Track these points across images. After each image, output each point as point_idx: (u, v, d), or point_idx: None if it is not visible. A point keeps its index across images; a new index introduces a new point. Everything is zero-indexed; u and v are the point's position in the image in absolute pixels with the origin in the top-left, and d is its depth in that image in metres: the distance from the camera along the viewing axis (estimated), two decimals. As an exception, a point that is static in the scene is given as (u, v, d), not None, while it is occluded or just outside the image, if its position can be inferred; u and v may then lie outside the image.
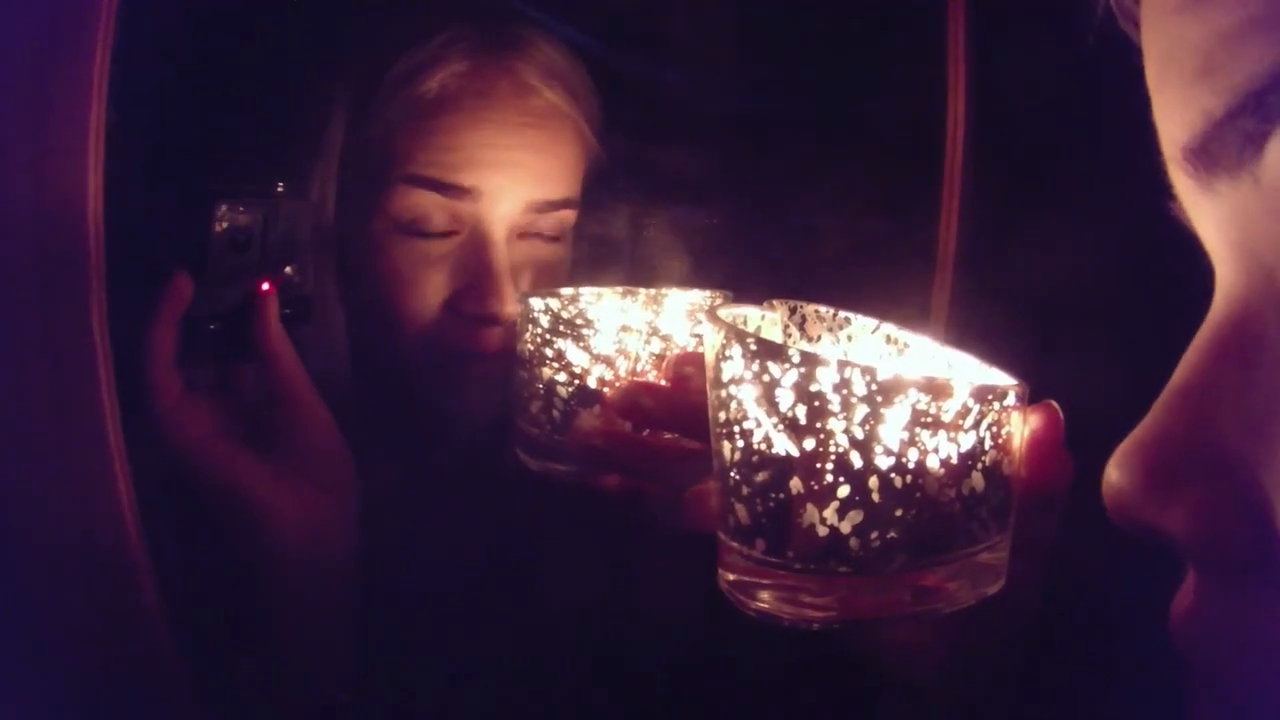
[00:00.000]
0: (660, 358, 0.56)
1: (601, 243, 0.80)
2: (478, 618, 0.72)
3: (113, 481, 0.50)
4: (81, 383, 0.49)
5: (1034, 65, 0.65)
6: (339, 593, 0.64)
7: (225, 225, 0.63)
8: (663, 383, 0.55)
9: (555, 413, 0.56)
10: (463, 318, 0.73)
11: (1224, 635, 0.28)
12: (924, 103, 0.73)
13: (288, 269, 0.67)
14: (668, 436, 0.54)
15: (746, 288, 0.50)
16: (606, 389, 0.55)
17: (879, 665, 0.52)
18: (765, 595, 0.41)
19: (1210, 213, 0.28)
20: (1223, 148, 0.25)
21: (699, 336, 0.57)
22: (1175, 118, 0.27)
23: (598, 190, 0.81)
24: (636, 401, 0.54)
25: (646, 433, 0.55)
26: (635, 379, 0.56)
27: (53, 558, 0.50)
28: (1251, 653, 0.27)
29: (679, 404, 0.53)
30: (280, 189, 0.67)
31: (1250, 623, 0.27)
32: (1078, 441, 0.44)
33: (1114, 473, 0.29)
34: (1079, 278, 0.66)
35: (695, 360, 0.53)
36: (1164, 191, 0.29)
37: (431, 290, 0.73)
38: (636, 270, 0.78)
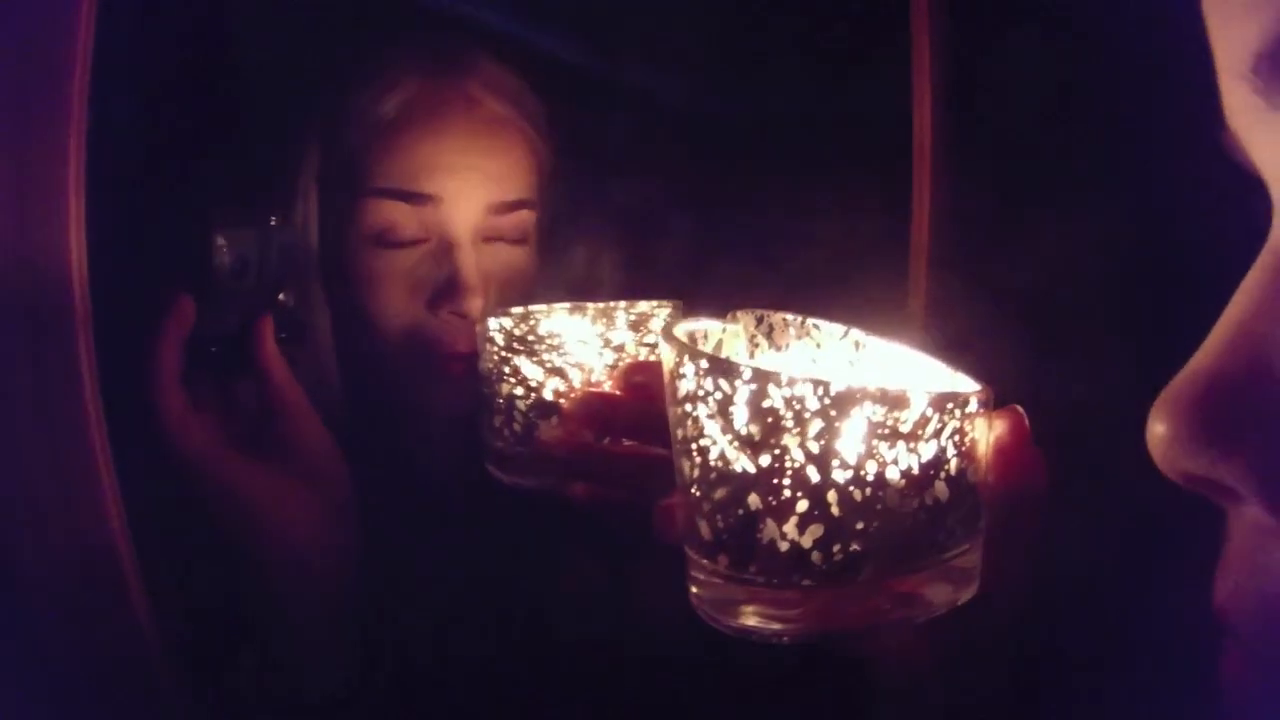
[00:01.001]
0: (613, 368, 0.58)
1: (567, 253, 0.83)
2: (472, 616, 0.74)
3: (100, 495, 0.51)
4: (68, 399, 0.50)
5: (1008, 60, 0.64)
6: (335, 592, 0.66)
7: (225, 255, 0.66)
8: (616, 392, 0.57)
9: (516, 426, 0.59)
10: (439, 317, 0.77)
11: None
12: (893, 102, 0.73)
13: (281, 296, 0.71)
14: (627, 443, 0.56)
15: (716, 293, 0.50)
16: (563, 400, 0.57)
17: (865, 670, 0.51)
18: (734, 609, 0.40)
19: (1273, 132, 0.26)
20: None
21: (650, 345, 0.59)
22: (1242, 28, 0.25)
23: (561, 199, 0.85)
24: (592, 410, 0.56)
25: (607, 441, 0.57)
26: (590, 389, 0.58)
27: (40, 571, 0.51)
28: None
29: (634, 411, 0.55)
30: (274, 222, 0.71)
31: None
32: (1058, 439, 0.44)
33: (1159, 424, 0.27)
34: (1057, 275, 0.66)
35: (645, 369, 0.56)
36: (1214, 123, 0.28)
37: (407, 296, 0.78)
38: (603, 281, 0.80)
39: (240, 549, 0.64)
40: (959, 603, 0.41)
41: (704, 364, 0.38)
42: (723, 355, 0.45)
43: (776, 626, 0.40)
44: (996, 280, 0.67)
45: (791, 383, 0.36)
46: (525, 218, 0.82)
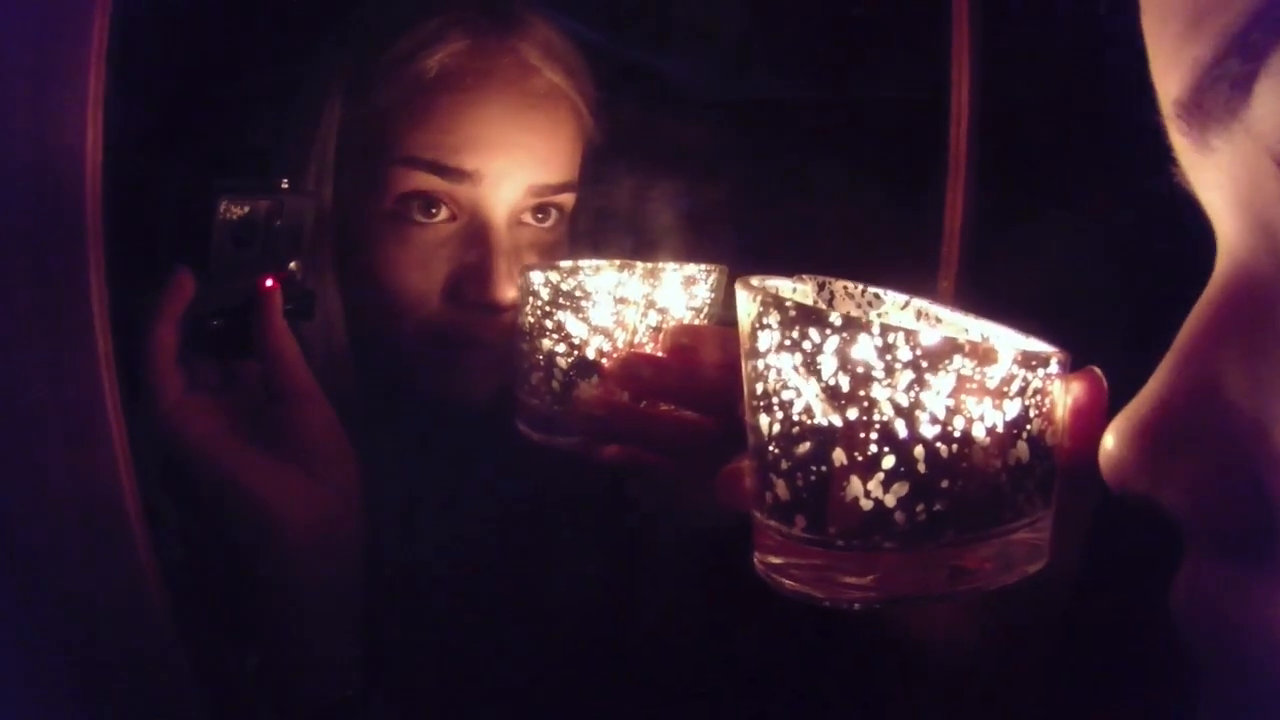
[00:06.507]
0: (657, 330, 0.57)
1: (604, 215, 0.79)
2: (484, 610, 0.71)
3: (115, 467, 0.48)
4: (82, 369, 0.47)
5: (1044, 48, 0.64)
6: (343, 588, 0.63)
7: (227, 220, 0.61)
8: (660, 354, 0.56)
9: (555, 384, 0.57)
10: (463, 306, 0.72)
11: (1224, 614, 0.27)
12: (930, 85, 0.73)
13: (291, 264, 0.65)
14: (665, 408, 0.55)
15: (751, 267, 0.49)
16: (605, 360, 0.56)
17: (908, 653, 0.50)
18: (804, 575, 0.39)
19: (1208, 172, 0.27)
20: (1213, 97, 0.25)
21: (696, 309, 0.58)
22: (1169, 73, 0.27)
23: (602, 163, 0.80)
24: (634, 372, 0.55)
25: (644, 404, 0.56)
26: (633, 350, 0.56)
27: (54, 545, 0.48)
28: (1250, 632, 0.27)
29: (676, 375, 0.54)
30: (284, 184, 0.65)
31: (1249, 600, 0.26)
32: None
33: (1111, 442, 0.29)
34: (1088, 267, 0.66)
35: (691, 332, 0.55)
36: (1167, 157, 0.29)
37: (430, 278, 0.72)
38: (638, 244, 0.77)
39: (242, 542, 0.60)
40: (1029, 574, 0.40)
41: (791, 311, 0.36)
42: None
43: (847, 594, 0.38)
44: (1014, 267, 0.68)
45: (884, 332, 0.35)
46: (565, 200, 0.76)
